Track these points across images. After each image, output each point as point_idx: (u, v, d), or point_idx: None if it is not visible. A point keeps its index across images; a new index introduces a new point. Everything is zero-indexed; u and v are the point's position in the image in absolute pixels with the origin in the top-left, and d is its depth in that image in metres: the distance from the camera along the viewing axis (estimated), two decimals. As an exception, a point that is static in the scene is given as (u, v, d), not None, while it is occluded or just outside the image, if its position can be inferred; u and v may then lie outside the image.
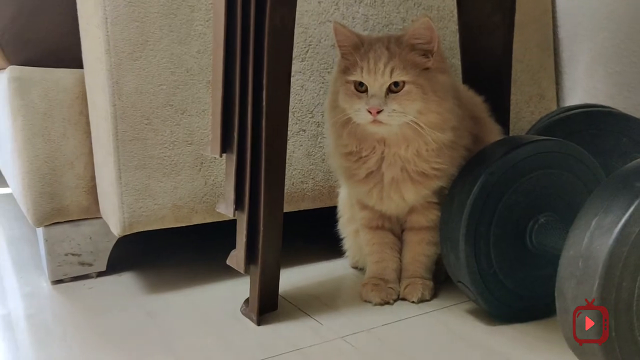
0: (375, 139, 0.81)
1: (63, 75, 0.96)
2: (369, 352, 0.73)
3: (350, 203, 0.95)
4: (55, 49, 0.97)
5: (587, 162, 0.80)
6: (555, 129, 0.98)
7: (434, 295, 0.88)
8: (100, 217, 1.01)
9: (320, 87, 1.02)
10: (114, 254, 1.03)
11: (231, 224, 0.84)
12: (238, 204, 0.79)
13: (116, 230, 0.91)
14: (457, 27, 1.06)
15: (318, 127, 1.02)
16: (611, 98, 1.25)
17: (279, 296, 0.86)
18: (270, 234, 0.79)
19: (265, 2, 0.71)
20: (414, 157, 0.80)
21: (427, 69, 0.78)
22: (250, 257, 0.80)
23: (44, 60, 0.96)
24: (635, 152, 0.97)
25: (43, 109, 0.95)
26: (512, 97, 1.08)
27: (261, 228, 0.78)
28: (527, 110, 1.30)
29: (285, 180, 0.84)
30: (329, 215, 1.03)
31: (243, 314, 0.84)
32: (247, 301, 0.85)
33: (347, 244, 1.00)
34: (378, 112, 0.75)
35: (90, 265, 1.01)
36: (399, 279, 0.89)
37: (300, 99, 1.00)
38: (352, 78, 0.78)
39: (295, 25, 0.76)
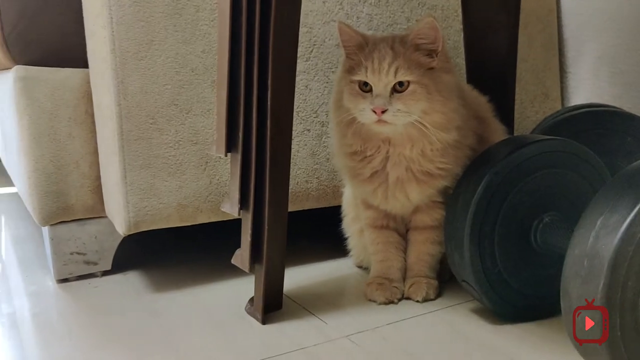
0: (380, 139, 0.81)
1: (69, 75, 0.97)
2: (373, 351, 0.73)
3: (355, 202, 0.95)
4: (60, 48, 0.97)
5: (592, 161, 0.80)
6: (560, 129, 0.98)
7: (439, 294, 0.88)
8: (106, 216, 1.01)
9: (325, 86, 1.02)
10: (119, 253, 1.03)
11: (236, 223, 0.84)
12: (243, 203, 0.80)
13: (121, 229, 0.91)
14: (461, 26, 1.07)
15: (322, 126, 1.02)
16: (616, 98, 1.24)
17: (283, 295, 0.86)
18: (275, 233, 0.80)
19: (270, 2, 0.71)
20: (418, 157, 0.80)
21: (431, 68, 0.78)
22: (255, 256, 0.81)
23: (49, 60, 0.97)
24: (640, 151, 0.96)
25: (49, 108, 0.96)
26: (516, 96, 1.08)
27: (266, 227, 0.78)
28: (531, 109, 1.30)
29: (290, 179, 0.84)
30: (333, 214, 1.03)
31: (248, 312, 0.84)
32: (251, 300, 0.85)
33: (352, 243, 1.00)
34: (383, 112, 0.75)
35: (96, 264, 1.02)
36: (404, 278, 0.90)
37: (305, 99, 1.00)
38: (357, 78, 0.78)
39: (300, 25, 0.76)
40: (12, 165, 1.24)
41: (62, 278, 1.00)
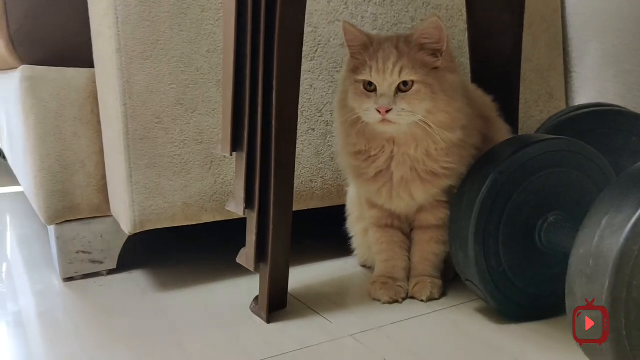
0: (385, 138, 0.81)
1: (74, 74, 0.97)
2: (378, 350, 0.73)
3: (359, 202, 0.95)
4: (66, 48, 0.98)
5: (597, 160, 0.80)
6: (565, 128, 0.98)
7: (443, 293, 0.89)
8: (111, 216, 1.02)
9: (330, 86, 1.02)
10: (124, 252, 1.03)
11: (241, 223, 0.84)
12: (248, 203, 0.80)
13: (127, 228, 0.92)
14: (466, 26, 1.06)
15: (327, 126, 1.03)
16: (621, 97, 1.24)
17: (288, 294, 0.86)
18: (280, 232, 0.80)
19: (276, 2, 0.72)
20: (423, 156, 0.80)
21: (436, 68, 0.78)
22: (260, 255, 0.81)
23: (55, 59, 0.97)
24: (645, 151, 0.96)
25: (55, 108, 0.96)
26: (521, 96, 1.08)
27: (271, 226, 0.78)
28: (536, 109, 1.30)
29: (294, 178, 0.84)
30: (337, 213, 1.03)
31: (252, 311, 0.85)
32: (256, 299, 0.86)
33: (356, 242, 1.01)
34: (387, 112, 0.76)
35: (101, 263, 1.02)
36: (408, 277, 0.90)
37: (310, 98, 1.01)
38: (361, 77, 0.78)
39: (305, 25, 0.77)
40: (18, 165, 1.24)
41: (67, 277, 1.01)
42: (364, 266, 1.03)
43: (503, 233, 0.77)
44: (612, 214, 0.55)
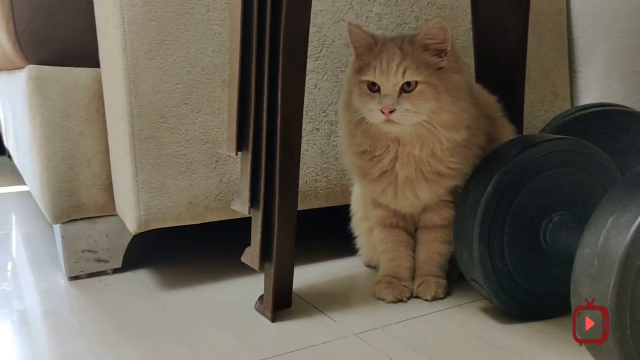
0: (389, 139, 0.81)
1: (80, 74, 0.97)
2: (382, 349, 0.73)
3: (364, 201, 0.95)
4: (72, 48, 0.98)
5: (602, 161, 0.80)
6: (570, 128, 0.98)
7: (448, 293, 0.89)
8: (117, 215, 1.02)
9: (334, 86, 1.02)
10: (129, 250, 1.04)
11: (245, 222, 0.84)
12: (253, 202, 0.80)
13: (132, 227, 0.92)
14: (470, 26, 1.06)
15: (331, 125, 1.03)
16: (626, 97, 1.24)
17: (292, 293, 0.86)
18: (285, 231, 0.80)
19: (281, 2, 0.72)
20: (428, 156, 0.80)
21: (440, 68, 0.78)
22: (265, 254, 0.81)
23: (61, 59, 0.97)
24: (650, 151, 0.96)
25: (61, 107, 0.96)
26: (525, 96, 1.08)
27: (276, 225, 0.78)
28: (540, 109, 1.30)
29: (299, 178, 0.84)
30: (342, 213, 1.03)
31: (257, 310, 0.85)
32: (261, 298, 0.86)
33: (361, 242, 1.01)
34: (391, 112, 0.76)
35: (107, 261, 1.03)
36: (413, 277, 0.90)
37: (314, 98, 1.01)
38: (365, 78, 0.79)
39: (309, 25, 0.77)
40: (24, 164, 1.25)
41: (73, 275, 1.01)
42: (368, 266, 1.03)
43: (508, 233, 0.77)
44: (618, 214, 0.55)
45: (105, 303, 0.92)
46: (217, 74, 0.92)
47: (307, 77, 0.96)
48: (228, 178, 0.95)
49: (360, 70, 0.80)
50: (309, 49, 0.78)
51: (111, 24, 0.88)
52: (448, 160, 0.80)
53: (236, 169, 0.95)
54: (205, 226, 0.99)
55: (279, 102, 0.75)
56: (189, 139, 0.92)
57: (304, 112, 0.92)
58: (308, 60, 0.85)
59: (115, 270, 1.04)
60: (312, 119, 1.01)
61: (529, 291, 0.78)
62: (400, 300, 0.86)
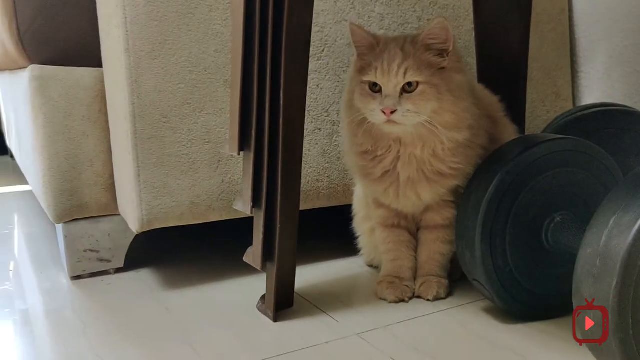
0: (391, 139, 0.81)
1: (83, 74, 0.98)
2: (384, 349, 0.73)
3: (366, 201, 0.95)
4: (75, 48, 0.98)
5: (604, 160, 0.80)
6: (572, 128, 0.98)
7: (449, 293, 0.89)
8: (119, 214, 1.02)
9: (336, 86, 1.02)
10: (131, 250, 1.04)
11: (248, 222, 0.85)
12: (255, 202, 0.80)
13: (134, 227, 0.92)
14: (472, 25, 1.06)
15: (333, 125, 1.03)
16: (629, 97, 1.24)
17: (294, 293, 0.86)
18: (287, 231, 0.80)
19: (284, 2, 0.72)
20: (429, 156, 0.80)
21: (442, 68, 0.78)
22: (267, 254, 0.81)
23: (64, 59, 0.98)
24: (652, 151, 0.96)
25: (63, 107, 0.97)
26: (527, 96, 1.08)
27: (278, 225, 0.78)
28: (542, 109, 1.30)
29: (301, 178, 0.84)
30: (344, 213, 1.04)
31: (259, 310, 0.85)
32: (263, 297, 0.86)
33: (362, 242, 1.01)
34: (392, 113, 0.76)
35: (109, 261, 1.03)
36: (414, 277, 0.90)
37: (316, 98, 1.01)
38: (367, 78, 0.79)
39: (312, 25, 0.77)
40: (27, 164, 1.25)
41: (75, 275, 1.01)
42: (370, 266, 1.03)
43: (510, 233, 0.77)
44: (620, 214, 0.55)
45: (108, 303, 0.92)
46: (220, 73, 0.92)
47: (310, 77, 0.96)
48: (230, 178, 0.96)
49: (362, 70, 0.80)
50: (311, 48, 0.78)
51: (114, 23, 0.88)
52: (450, 160, 0.80)
53: (238, 168, 0.96)
54: (208, 226, 0.99)
55: (282, 102, 0.75)
56: (191, 139, 0.92)
57: (306, 112, 0.92)
58: (310, 60, 0.85)
59: (118, 270, 1.04)
60: (314, 118, 1.01)
61: (531, 291, 0.78)
62: (402, 300, 0.87)
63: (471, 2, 1.03)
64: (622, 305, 0.54)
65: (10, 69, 1.33)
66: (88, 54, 0.98)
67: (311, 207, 1.03)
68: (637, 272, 0.53)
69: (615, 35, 1.26)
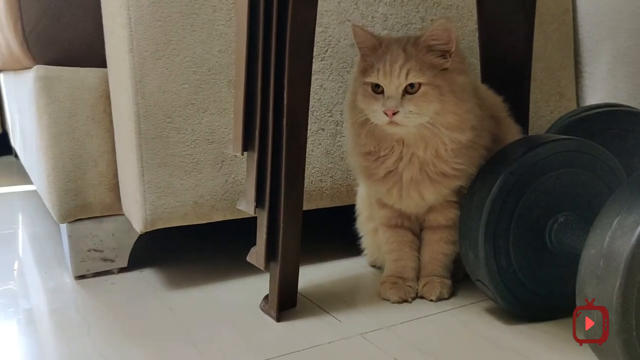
0: (394, 139, 0.81)
1: (88, 74, 0.98)
2: (387, 349, 0.73)
3: (369, 202, 0.95)
4: (79, 48, 0.99)
5: (608, 161, 0.80)
6: (576, 128, 0.98)
7: (452, 293, 0.89)
8: (123, 214, 1.02)
9: (340, 86, 1.02)
10: (135, 250, 1.04)
11: (251, 222, 0.85)
12: (259, 202, 0.80)
13: (138, 226, 0.92)
14: (476, 26, 1.06)
15: (337, 126, 1.03)
16: (633, 97, 1.24)
17: (298, 293, 0.87)
18: (290, 231, 0.80)
19: (287, 2, 0.72)
20: (432, 157, 0.80)
21: (445, 69, 0.78)
22: (270, 254, 0.81)
23: (68, 59, 0.98)
24: (656, 151, 0.96)
25: (68, 107, 0.97)
26: (531, 96, 1.08)
27: (281, 225, 0.79)
28: (546, 109, 1.29)
29: (304, 178, 0.85)
30: (347, 213, 1.04)
31: (262, 310, 0.85)
32: (266, 297, 0.86)
33: (366, 242, 1.01)
34: (394, 114, 0.76)
35: (113, 261, 1.03)
36: (418, 277, 0.90)
37: (320, 98, 1.01)
38: (369, 80, 0.79)
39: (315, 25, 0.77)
40: (31, 163, 1.26)
41: (79, 275, 1.02)
42: (373, 266, 1.03)
43: (513, 233, 0.77)
44: (624, 215, 0.55)
45: (112, 302, 0.93)
46: (224, 74, 0.93)
47: (313, 78, 0.96)
48: (234, 178, 0.96)
49: (364, 71, 0.80)
50: (314, 49, 0.78)
51: (118, 24, 0.88)
52: (453, 161, 0.80)
53: (242, 168, 0.96)
54: (211, 226, 0.99)
55: (285, 102, 0.75)
56: (195, 139, 0.92)
57: (310, 112, 0.92)
58: (314, 60, 0.86)
59: (121, 270, 1.04)
60: (318, 119, 1.01)
61: (534, 292, 0.78)
62: (405, 301, 0.87)
63: (475, 2, 1.03)
64: (625, 306, 0.54)
65: (15, 69, 1.34)
66: (92, 54, 0.99)
67: (314, 207, 1.03)
68: (641, 273, 0.53)
69: (619, 36, 1.25)
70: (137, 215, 0.92)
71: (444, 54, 0.78)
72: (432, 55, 0.78)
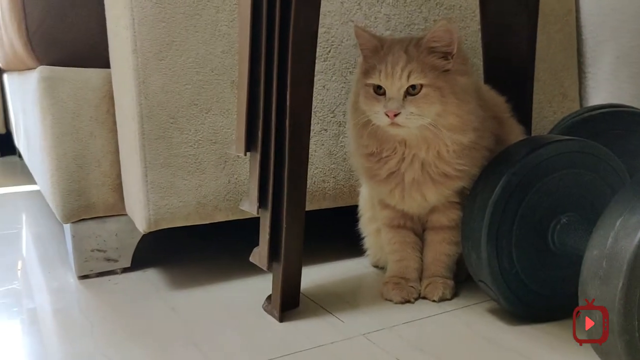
0: (396, 140, 0.81)
1: (91, 75, 0.98)
2: (389, 350, 0.73)
3: (372, 202, 0.95)
4: (83, 49, 0.99)
5: (611, 162, 0.80)
6: (579, 129, 0.98)
7: (455, 294, 0.89)
8: (126, 214, 1.03)
9: (342, 86, 1.02)
10: (138, 250, 1.05)
11: (254, 222, 0.85)
12: (261, 202, 0.81)
13: (141, 227, 0.93)
14: (479, 26, 1.06)
15: (339, 126, 1.03)
16: (636, 98, 1.23)
17: (300, 293, 0.87)
18: (293, 231, 0.80)
19: (290, 4, 0.72)
20: (434, 158, 0.80)
21: (447, 71, 0.78)
22: (273, 254, 0.82)
23: (72, 60, 0.98)
24: (660, 152, 0.96)
25: (72, 108, 0.97)
26: (534, 96, 1.08)
27: (284, 226, 0.79)
28: (549, 109, 1.29)
29: (307, 179, 0.85)
30: (349, 213, 1.04)
31: (265, 310, 0.85)
32: (269, 298, 0.86)
33: (368, 242, 1.01)
34: (395, 115, 0.76)
35: (116, 261, 1.03)
36: (420, 278, 0.90)
37: (322, 99, 1.01)
38: (371, 81, 0.79)
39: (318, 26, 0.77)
40: (35, 164, 1.26)
41: (83, 274, 1.02)
42: (376, 266, 1.03)
43: (516, 234, 0.77)
44: (626, 216, 0.55)
45: (115, 302, 0.93)
46: (227, 74, 0.93)
47: (316, 78, 0.96)
48: (237, 178, 0.96)
49: (366, 73, 0.80)
50: (317, 49, 0.78)
51: (122, 25, 0.88)
52: (455, 162, 0.80)
53: (245, 169, 0.96)
54: (214, 226, 0.99)
55: (288, 103, 0.75)
56: (198, 140, 0.92)
57: (313, 112, 0.92)
58: (317, 61, 0.86)
59: (125, 270, 1.05)
60: (321, 119, 1.01)
61: (536, 292, 0.78)
62: (408, 301, 0.87)
63: (478, 3, 1.03)
64: (628, 307, 0.54)
65: (19, 70, 1.35)
66: (96, 55, 0.99)
67: (317, 208, 1.03)
68: (644, 274, 0.53)
69: (622, 36, 1.25)
70: (140, 216, 0.92)
71: (446, 56, 0.78)
72: (434, 57, 0.78)
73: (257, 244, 0.84)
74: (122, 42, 0.90)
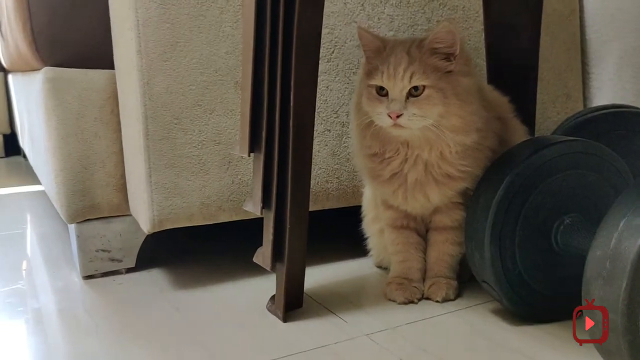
0: (399, 141, 0.81)
1: (96, 76, 0.99)
2: (393, 350, 0.73)
3: (375, 203, 0.95)
4: (88, 50, 0.99)
5: (615, 162, 0.80)
6: (582, 130, 0.98)
7: (458, 294, 0.89)
8: (130, 215, 1.03)
9: (346, 87, 1.03)
10: (143, 250, 1.05)
11: (257, 222, 0.85)
12: (265, 203, 0.81)
13: (146, 227, 0.93)
14: (482, 27, 1.06)
15: (343, 127, 1.03)
16: (639, 98, 1.23)
17: (304, 294, 0.87)
18: (297, 232, 0.80)
19: (294, 5, 0.72)
20: (437, 159, 0.81)
21: (449, 72, 0.78)
22: (277, 254, 0.82)
23: (77, 61, 0.99)
24: (664, 153, 0.96)
25: (76, 109, 0.98)
26: (537, 97, 1.08)
27: (287, 226, 0.79)
28: (552, 110, 1.29)
29: (311, 179, 0.85)
30: (353, 214, 1.04)
31: (269, 310, 0.86)
32: (273, 298, 0.86)
33: (372, 243, 1.01)
34: (398, 116, 0.76)
35: (120, 261, 1.04)
36: (423, 278, 0.90)
37: (326, 100, 1.01)
38: (374, 82, 0.79)
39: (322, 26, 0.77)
40: (39, 164, 1.27)
41: (87, 275, 1.02)
42: (379, 267, 1.03)
43: (519, 235, 0.77)
44: (630, 217, 0.55)
45: (119, 302, 0.93)
46: (230, 75, 0.93)
47: (319, 79, 0.96)
48: (240, 179, 0.96)
49: (369, 74, 0.80)
50: (321, 50, 0.79)
51: (126, 26, 0.89)
52: (458, 163, 0.81)
53: (248, 170, 0.96)
54: (218, 226, 1.00)
55: (292, 104, 0.76)
56: (202, 140, 0.93)
57: (316, 113, 0.92)
58: (320, 61, 0.86)
59: (129, 270, 1.05)
60: (324, 120, 1.01)
61: (540, 293, 0.78)
62: (411, 302, 0.87)
63: (481, 3, 1.03)
64: (631, 308, 0.54)
65: (24, 71, 1.35)
66: (100, 56, 0.99)
67: (320, 208, 1.03)
68: (647, 275, 0.53)
69: (626, 36, 1.25)
70: (144, 216, 0.92)
71: (448, 57, 0.78)
72: (436, 58, 0.78)
73: (260, 245, 0.84)
74: (126, 43, 0.90)
